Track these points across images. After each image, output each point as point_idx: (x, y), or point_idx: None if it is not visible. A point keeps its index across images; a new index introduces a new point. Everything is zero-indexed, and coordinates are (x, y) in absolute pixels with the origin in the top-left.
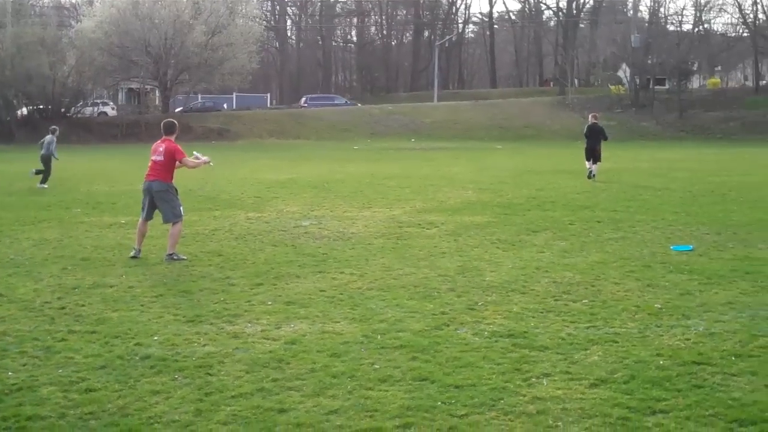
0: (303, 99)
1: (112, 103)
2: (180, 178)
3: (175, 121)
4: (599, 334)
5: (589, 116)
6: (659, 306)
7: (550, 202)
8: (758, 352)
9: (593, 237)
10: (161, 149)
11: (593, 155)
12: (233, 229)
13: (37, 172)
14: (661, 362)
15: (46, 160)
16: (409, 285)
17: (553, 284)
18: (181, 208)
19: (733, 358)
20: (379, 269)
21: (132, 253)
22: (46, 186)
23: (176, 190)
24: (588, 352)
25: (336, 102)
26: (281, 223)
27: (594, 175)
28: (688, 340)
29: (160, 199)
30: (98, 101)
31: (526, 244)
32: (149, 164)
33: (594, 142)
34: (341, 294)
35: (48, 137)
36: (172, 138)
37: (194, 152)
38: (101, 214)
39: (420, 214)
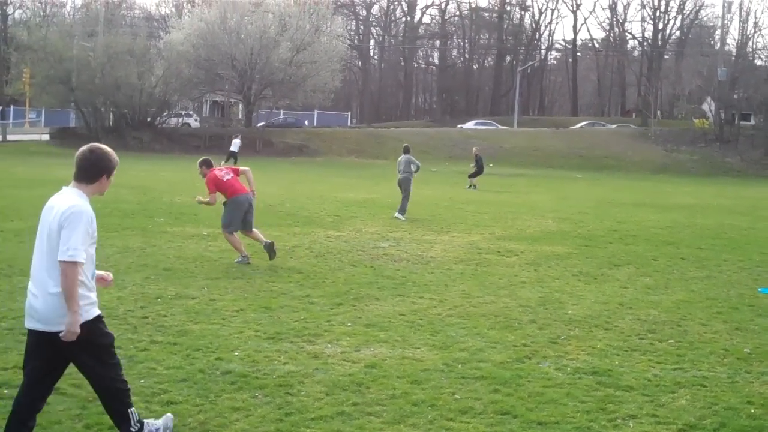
0: None
1: (195, 115)
2: (260, 194)
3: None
4: (686, 377)
5: (473, 149)
6: (749, 351)
7: (632, 235)
8: None
9: (677, 274)
10: (225, 169)
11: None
12: (313, 247)
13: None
14: (753, 411)
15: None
16: (489, 314)
17: (638, 321)
18: None
19: None
20: (459, 296)
21: (240, 260)
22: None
23: None
24: (675, 395)
25: None
26: (360, 243)
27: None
28: None
29: (253, 208)
30: (182, 112)
31: (609, 278)
32: (234, 181)
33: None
34: (421, 319)
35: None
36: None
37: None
38: (183, 224)
39: (499, 241)
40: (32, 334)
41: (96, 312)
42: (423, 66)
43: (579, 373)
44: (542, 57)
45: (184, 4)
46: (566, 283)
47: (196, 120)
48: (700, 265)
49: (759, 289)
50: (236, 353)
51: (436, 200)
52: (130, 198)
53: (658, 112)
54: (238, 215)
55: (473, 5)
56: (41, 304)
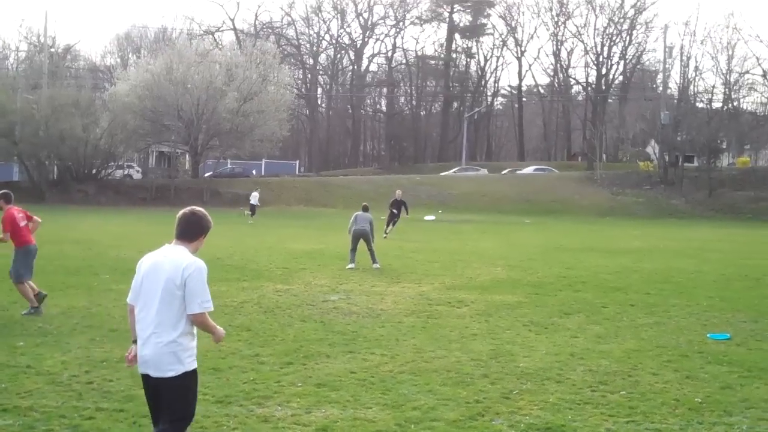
0: None
1: (137, 166)
2: (208, 247)
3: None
4: (639, 430)
5: (397, 191)
6: (699, 400)
7: (581, 282)
8: None
9: (627, 322)
10: (22, 213)
11: (393, 220)
12: (261, 302)
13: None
14: None
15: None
16: (441, 369)
17: (589, 373)
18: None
19: None
20: (410, 350)
21: (30, 311)
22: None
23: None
24: None
25: None
26: (310, 297)
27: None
28: None
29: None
30: (123, 164)
31: (559, 327)
32: (27, 230)
33: (397, 212)
34: (372, 377)
35: (362, 214)
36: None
37: None
38: (129, 281)
39: (449, 291)
40: (145, 379)
41: (195, 365)
42: (371, 113)
43: (532, 430)
44: (488, 103)
45: (129, 55)
46: (517, 334)
47: (138, 171)
48: (649, 312)
49: (708, 335)
50: None
51: (386, 249)
52: (75, 253)
53: (603, 156)
54: (30, 264)
55: (419, 53)
56: (151, 353)
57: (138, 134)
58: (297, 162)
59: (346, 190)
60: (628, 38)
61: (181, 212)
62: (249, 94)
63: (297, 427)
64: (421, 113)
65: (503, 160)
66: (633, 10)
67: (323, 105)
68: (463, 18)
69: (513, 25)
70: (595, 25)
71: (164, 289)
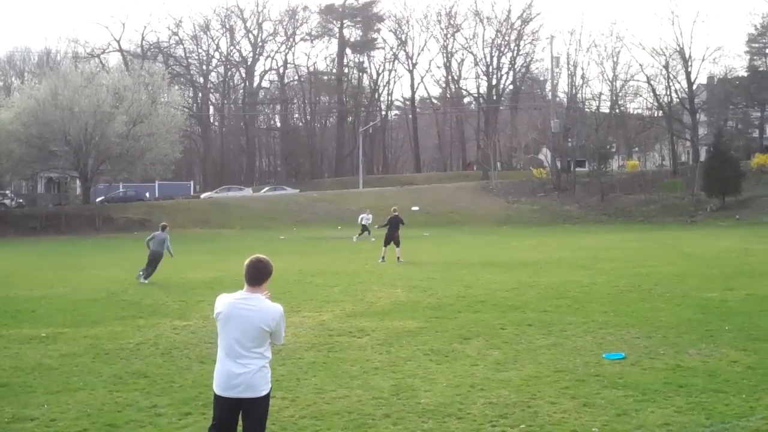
0: None
1: (9, 193)
2: (102, 281)
3: None
4: None
5: (392, 209)
6: (596, 430)
7: (480, 301)
8: None
9: (525, 344)
10: None
11: (392, 241)
12: (159, 342)
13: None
14: None
15: (158, 257)
16: (343, 411)
17: (489, 406)
18: None
19: None
20: (312, 391)
21: None
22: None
23: None
24: None
25: None
26: (208, 334)
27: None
28: None
29: None
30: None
31: (459, 354)
32: None
33: (393, 231)
34: (273, 424)
35: (160, 234)
36: None
37: None
38: (20, 324)
39: (350, 318)
40: (231, 401)
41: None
42: (265, 129)
43: None
44: (383, 116)
45: (12, 80)
46: (418, 366)
47: (12, 200)
48: (546, 331)
49: (603, 355)
50: None
51: (286, 274)
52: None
53: (498, 165)
54: None
55: (311, 69)
56: (247, 378)
57: (24, 162)
58: (191, 182)
59: (243, 210)
60: (516, 48)
61: (248, 260)
62: (138, 117)
63: None
64: (316, 128)
65: (400, 171)
66: (519, 21)
67: (216, 123)
68: (353, 33)
69: (403, 38)
70: (483, 37)
71: (255, 332)
